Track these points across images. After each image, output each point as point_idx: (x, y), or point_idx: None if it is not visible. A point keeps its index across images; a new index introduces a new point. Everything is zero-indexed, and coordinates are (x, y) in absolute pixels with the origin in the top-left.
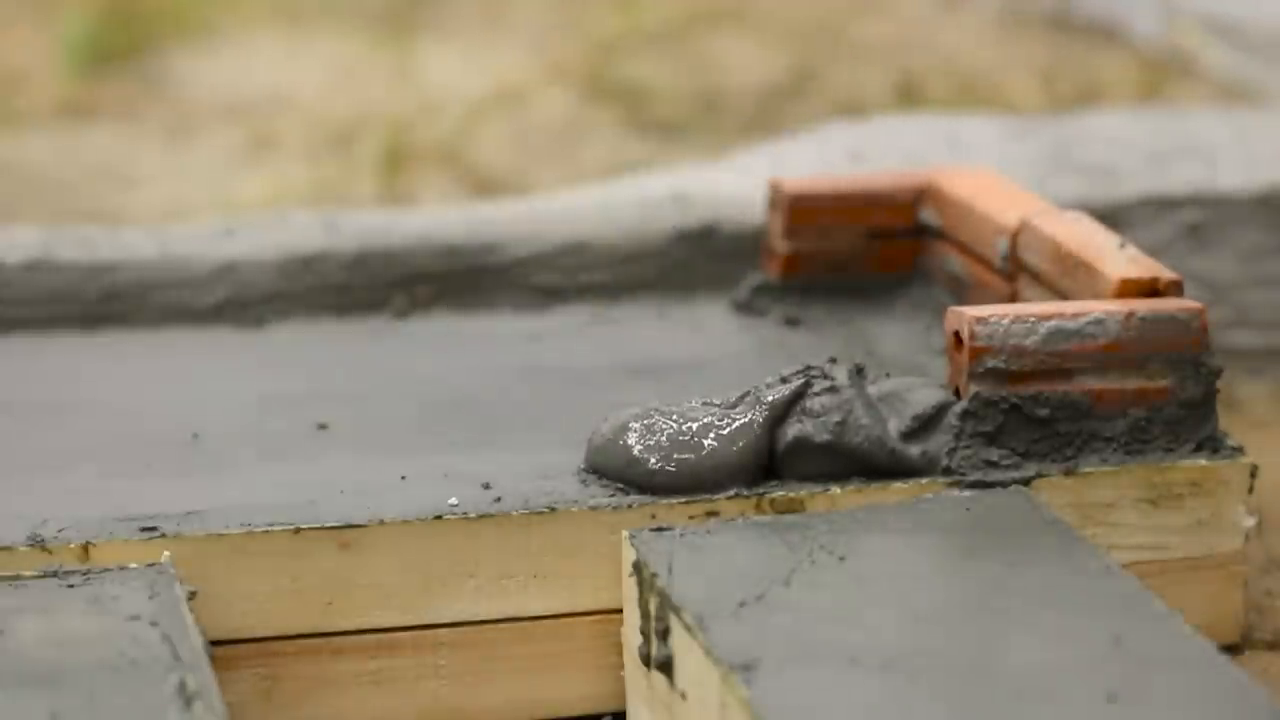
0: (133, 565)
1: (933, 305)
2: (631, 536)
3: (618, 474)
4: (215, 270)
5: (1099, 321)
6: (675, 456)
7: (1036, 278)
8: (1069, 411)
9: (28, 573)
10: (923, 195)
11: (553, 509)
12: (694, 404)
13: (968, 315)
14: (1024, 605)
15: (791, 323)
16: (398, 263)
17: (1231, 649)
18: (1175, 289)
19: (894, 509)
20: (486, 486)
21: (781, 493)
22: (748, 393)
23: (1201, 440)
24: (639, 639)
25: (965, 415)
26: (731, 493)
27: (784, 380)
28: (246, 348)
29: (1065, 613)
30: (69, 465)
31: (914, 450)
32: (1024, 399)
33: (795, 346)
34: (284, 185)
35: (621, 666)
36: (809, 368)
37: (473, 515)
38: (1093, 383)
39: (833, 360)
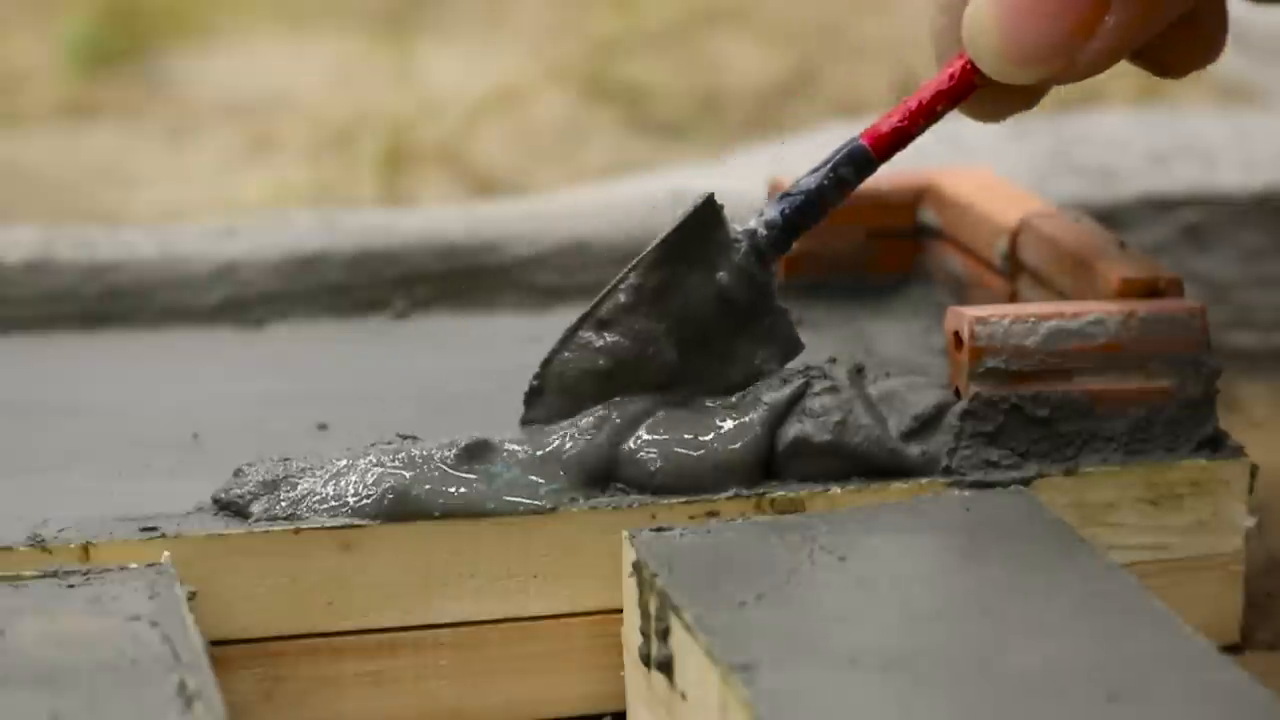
0: (133, 565)
1: (933, 305)
2: (631, 536)
3: (618, 474)
4: (215, 270)
5: (1099, 321)
6: (675, 456)
7: (1036, 278)
8: (1069, 411)
9: (28, 573)
10: (923, 195)
11: (553, 509)
12: (694, 404)
13: (968, 315)
14: (1024, 605)
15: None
16: (398, 263)
17: (1231, 649)
18: (1175, 289)
19: (894, 509)
20: None
21: (781, 493)
22: (748, 393)
23: (1201, 440)
24: (639, 639)
25: (965, 415)
26: (731, 493)
27: (784, 380)
28: (246, 348)
29: (1065, 613)
30: (69, 465)
31: (914, 450)
32: (1024, 399)
33: None
34: (284, 185)
35: (621, 666)
36: (809, 368)
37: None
38: (1093, 383)
39: (833, 360)
